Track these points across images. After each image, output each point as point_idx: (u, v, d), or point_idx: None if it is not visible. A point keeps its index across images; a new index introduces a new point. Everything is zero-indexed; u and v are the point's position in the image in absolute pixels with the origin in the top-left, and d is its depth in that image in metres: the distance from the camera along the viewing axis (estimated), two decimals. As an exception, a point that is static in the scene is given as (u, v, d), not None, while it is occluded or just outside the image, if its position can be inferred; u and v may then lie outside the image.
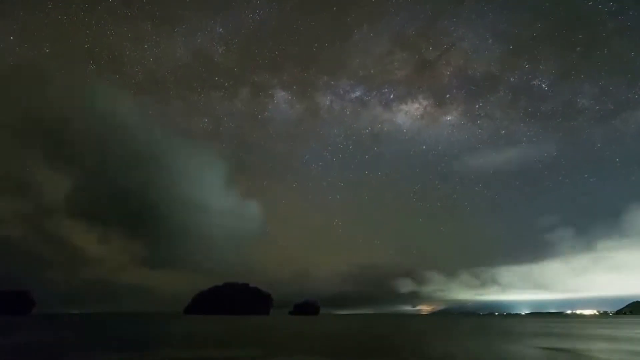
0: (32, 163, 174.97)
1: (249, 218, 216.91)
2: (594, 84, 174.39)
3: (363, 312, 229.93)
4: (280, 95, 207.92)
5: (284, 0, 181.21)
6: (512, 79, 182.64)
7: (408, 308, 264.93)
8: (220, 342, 16.97)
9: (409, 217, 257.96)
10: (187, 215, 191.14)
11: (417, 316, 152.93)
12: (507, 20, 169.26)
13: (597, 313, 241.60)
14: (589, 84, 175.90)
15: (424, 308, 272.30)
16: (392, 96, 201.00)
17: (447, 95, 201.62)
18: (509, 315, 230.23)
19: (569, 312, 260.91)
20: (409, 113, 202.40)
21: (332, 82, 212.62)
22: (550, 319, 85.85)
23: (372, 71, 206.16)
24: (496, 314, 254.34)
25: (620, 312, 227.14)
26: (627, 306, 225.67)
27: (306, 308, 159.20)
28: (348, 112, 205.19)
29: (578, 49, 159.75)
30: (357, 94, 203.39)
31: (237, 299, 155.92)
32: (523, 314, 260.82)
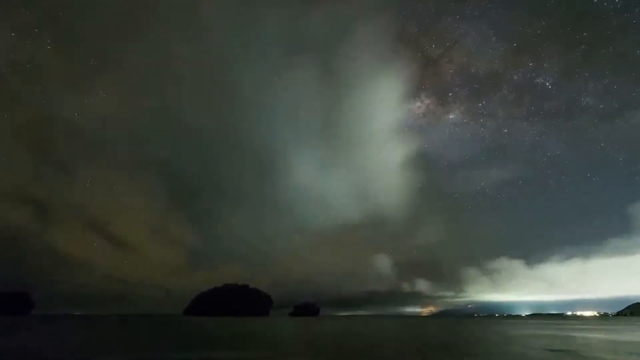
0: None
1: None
2: (598, 83, 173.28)
3: (363, 314, 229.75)
4: None
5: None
6: (515, 77, 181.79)
7: (408, 309, 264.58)
8: (220, 343, 16.95)
9: (410, 215, 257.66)
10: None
11: (418, 317, 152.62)
12: (510, 18, 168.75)
13: (597, 314, 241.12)
14: (593, 83, 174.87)
15: (424, 309, 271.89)
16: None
17: (450, 94, 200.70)
18: (509, 316, 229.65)
19: (569, 313, 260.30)
20: (411, 111, 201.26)
21: None
22: (551, 321, 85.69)
23: None
24: (496, 315, 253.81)
25: (620, 314, 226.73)
26: (628, 307, 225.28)
27: (306, 309, 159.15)
28: None
29: (582, 46, 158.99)
30: None
31: (236, 300, 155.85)
32: (523, 315, 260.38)
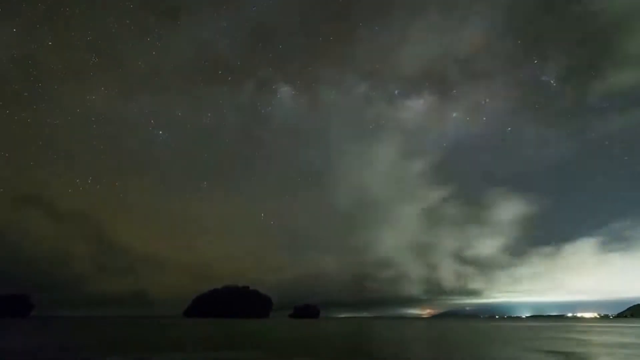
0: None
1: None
2: (604, 81, 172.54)
3: (363, 315, 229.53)
4: (284, 89, 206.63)
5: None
6: (520, 75, 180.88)
7: (408, 311, 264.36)
8: (219, 345, 16.94)
9: (412, 214, 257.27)
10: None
11: (418, 319, 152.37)
12: (517, 15, 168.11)
13: (597, 316, 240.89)
14: (598, 81, 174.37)
15: (425, 311, 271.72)
16: (397, 92, 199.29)
17: (454, 91, 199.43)
18: (510, 318, 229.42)
19: (569, 315, 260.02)
20: (414, 109, 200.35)
21: (337, 77, 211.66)
22: (551, 322, 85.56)
23: (377, 66, 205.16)
24: (497, 317, 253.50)
25: (621, 315, 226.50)
26: (628, 309, 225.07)
27: (306, 311, 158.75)
28: (352, 108, 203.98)
29: (589, 44, 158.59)
30: (362, 89, 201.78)
31: (236, 302, 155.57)
32: (524, 316, 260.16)
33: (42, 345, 16.25)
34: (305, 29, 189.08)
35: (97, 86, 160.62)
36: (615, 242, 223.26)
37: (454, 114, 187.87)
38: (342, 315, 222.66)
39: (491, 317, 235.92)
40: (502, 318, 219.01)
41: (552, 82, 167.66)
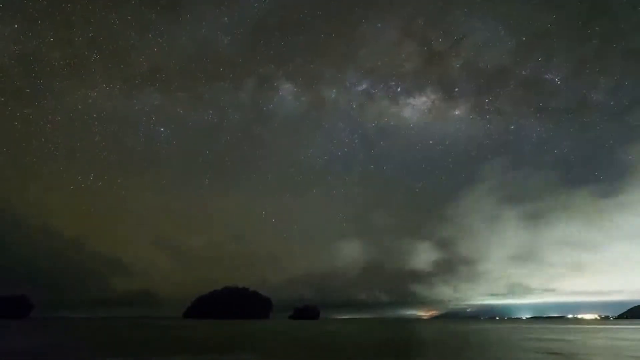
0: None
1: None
2: (610, 79, 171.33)
3: (363, 317, 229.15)
4: (286, 87, 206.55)
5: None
6: (523, 73, 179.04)
7: (409, 312, 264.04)
8: (219, 346, 16.89)
9: (414, 212, 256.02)
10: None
11: (418, 321, 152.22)
12: (520, 11, 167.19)
13: (598, 317, 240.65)
14: (604, 79, 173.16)
15: (425, 313, 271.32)
16: (399, 89, 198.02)
17: (456, 89, 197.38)
18: (510, 319, 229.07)
19: (570, 316, 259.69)
20: (416, 107, 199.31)
21: (339, 74, 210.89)
22: (551, 323, 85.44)
23: (379, 63, 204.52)
24: (497, 318, 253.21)
25: (621, 317, 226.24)
26: (629, 310, 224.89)
27: (306, 312, 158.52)
28: (354, 106, 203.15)
29: (594, 41, 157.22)
30: (364, 86, 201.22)
31: (236, 303, 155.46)
32: (524, 318, 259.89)
33: (42, 346, 16.20)
34: (307, 26, 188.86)
35: (99, 83, 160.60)
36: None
37: (457, 112, 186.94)
38: (342, 317, 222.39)
39: (492, 319, 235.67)
40: (502, 319, 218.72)
41: (556, 80, 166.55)
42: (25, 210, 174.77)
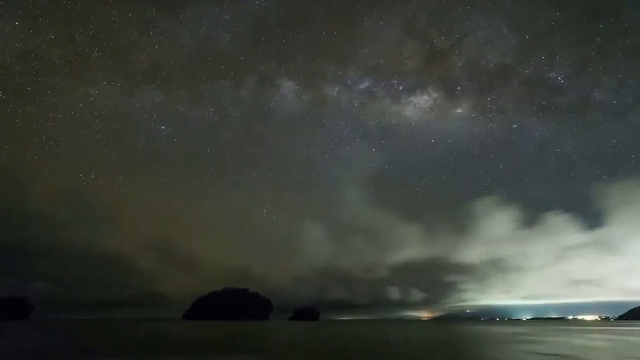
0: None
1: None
2: (613, 77, 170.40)
3: (363, 318, 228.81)
4: (287, 85, 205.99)
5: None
6: (526, 71, 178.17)
7: (408, 314, 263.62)
8: (219, 347, 16.95)
9: (415, 211, 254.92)
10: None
11: (418, 322, 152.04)
12: (523, 9, 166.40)
13: (598, 319, 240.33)
14: (607, 77, 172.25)
15: (425, 314, 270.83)
16: (401, 87, 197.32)
17: (458, 87, 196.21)
18: (510, 320, 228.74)
19: (570, 317, 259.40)
20: (418, 105, 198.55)
21: (340, 72, 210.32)
22: (552, 324, 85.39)
23: (381, 61, 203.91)
24: (497, 319, 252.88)
25: (622, 318, 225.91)
26: (629, 312, 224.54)
27: (306, 313, 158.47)
28: (355, 104, 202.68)
29: (597, 39, 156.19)
30: (365, 85, 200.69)
31: (236, 304, 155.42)
32: (524, 319, 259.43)
33: (41, 347, 16.25)
34: (308, 24, 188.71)
35: (99, 80, 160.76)
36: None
37: (459, 111, 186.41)
38: (342, 318, 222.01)
39: (491, 320, 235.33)
40: (502, 321, 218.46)
41: (559, 78, 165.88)
42: (26, 209, 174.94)
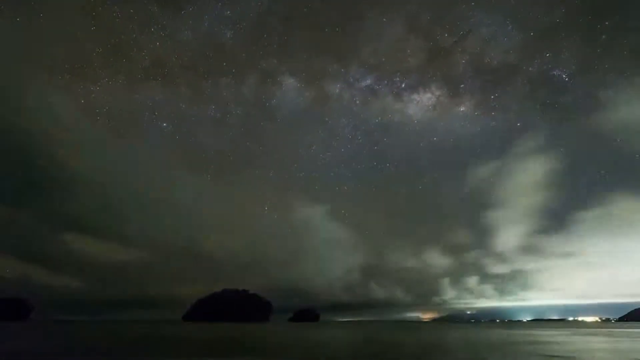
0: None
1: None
2: (618, 75, 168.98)
3: (363, 319, 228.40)
4: (289, 82, 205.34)
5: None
6: (530, 69, 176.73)
7: (409, 315, 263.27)
8: (219, 349, 16.92)
9: (416, 211, 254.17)
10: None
11: (418, 323, 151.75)
12: (528, 6, 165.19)
13: (599, 320, 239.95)
14: (612, 75, 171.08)
15: (425, 315, 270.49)
16: (403, 85, 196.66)
17: (462, 85, 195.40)
18: (511, 322, 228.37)
19: (570, 319, 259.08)
20: (421, 103, 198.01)
21: (342, 70, 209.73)
22: (552, 326, 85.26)
23: (383, 59, 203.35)
24: (497, 321, 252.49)
25: (622, 319, 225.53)
26: (630, 313, 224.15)
27: (306, 315, 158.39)
28: (357, 102, 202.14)
29: (603, 36, 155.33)
30: (367, 82, 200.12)
31: (236, 306, 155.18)
32: (525, 321, 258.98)
33: (40, 348, 16.23)
34: (310, 20, 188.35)
35: (101, 77, 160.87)
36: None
37: (462, 109, 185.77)
38: (342, 319, 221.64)
39: (492, 321, 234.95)
40: (502, 322, 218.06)
41: (564, 76, 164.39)
42: (25, 208, 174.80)
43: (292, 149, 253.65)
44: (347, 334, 34.48)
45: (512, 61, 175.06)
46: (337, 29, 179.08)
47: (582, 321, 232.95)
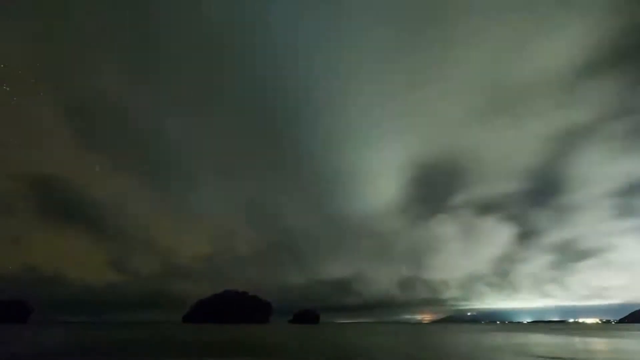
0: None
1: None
2: None
3: (363, 321, 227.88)
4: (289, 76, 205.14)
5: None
6: None
7: (409, 316, 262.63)
8: (219, 350, 16.94)
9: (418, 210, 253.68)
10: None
11: (418, 325, 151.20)
12: None
13: (599, 321, 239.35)
14: None
15: (425, 317, 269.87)
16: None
17: None
18: (511, 323, 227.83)
19: (571, 320, 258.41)
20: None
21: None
22: (553, 328, 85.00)
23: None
24: (497, 322, 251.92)
25: (622, 321, 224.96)
26: (630, 314, 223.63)
27: (306, 316, 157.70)
28: None
29: None
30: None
31: (236, 307, 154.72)
32: (525, 322, 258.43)
33: (40, 349, 16.26)
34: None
35: (106, 72, 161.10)
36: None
37: None
38: (342, 321, 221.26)
39: (492, 323, 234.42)
40: (503, 324, 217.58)
41: None
42: (27, 206, 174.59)
43: (298, 150, 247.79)
44: (348, 336, 34.46)
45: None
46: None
47: (583, 323, 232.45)
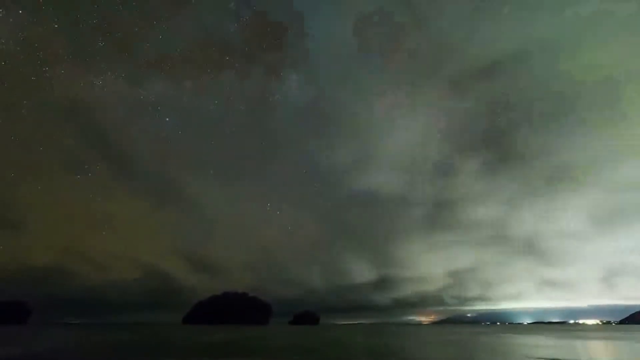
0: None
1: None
2: None
3: (363, 322, 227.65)
4: (292, 77, 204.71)
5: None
6: None
7: (409, 318, 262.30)
8: (219, 351, 16.93)
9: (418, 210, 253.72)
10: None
11: (418, 326, 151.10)
12: None
13: (599, 323, 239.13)
14: None
15: (425, 318, 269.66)
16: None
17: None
18: (511, 325, 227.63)
19: (571, 321, 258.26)
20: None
21: None
22: (553, 329, 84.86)
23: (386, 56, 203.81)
24: (497, 323, 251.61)
25: (623, 322, 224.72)
26: (630, 316, 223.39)
27: (306, 318, 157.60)
28: None
29: None
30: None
31: (236, 309, 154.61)
32: (525, 323, 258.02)
33: (39, 351, 16.25)
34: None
35: (104, 70, 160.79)
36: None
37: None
38: (342, 322, 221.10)
39: (492, 324, 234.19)
40: (503, 325, 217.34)
41: None
42: (26, 207, 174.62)
43: (295, 143, 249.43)
44: (348, 337, 34.42)
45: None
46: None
47: (583, 324, 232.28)
